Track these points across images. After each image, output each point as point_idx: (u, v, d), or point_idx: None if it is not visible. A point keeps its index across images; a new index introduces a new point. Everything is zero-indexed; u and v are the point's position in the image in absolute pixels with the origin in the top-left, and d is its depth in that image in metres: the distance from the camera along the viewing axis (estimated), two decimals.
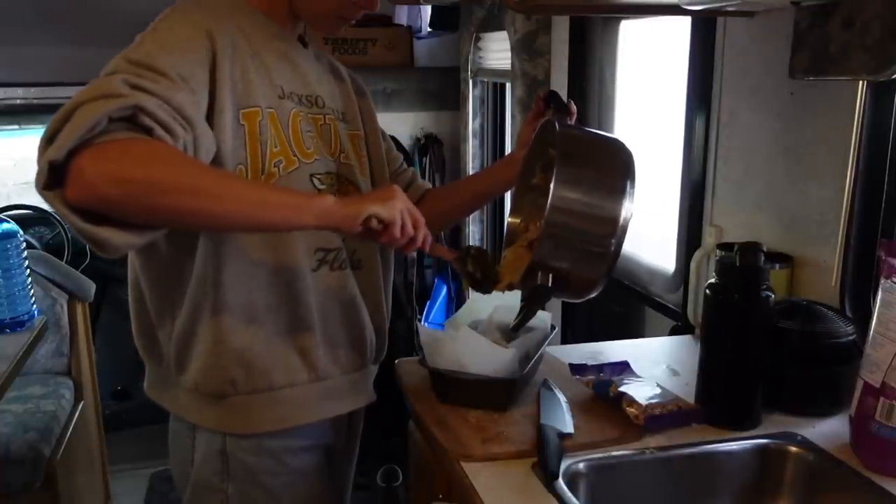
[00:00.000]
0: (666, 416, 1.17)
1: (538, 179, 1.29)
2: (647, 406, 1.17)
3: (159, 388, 1.26)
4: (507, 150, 2.85)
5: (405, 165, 1.48)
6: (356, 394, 1.30)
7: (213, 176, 0.98)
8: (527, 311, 1.12)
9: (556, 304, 2.39)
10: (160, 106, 0.93)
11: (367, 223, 1.01)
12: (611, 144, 1.16)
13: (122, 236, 0.92)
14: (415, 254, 3.11)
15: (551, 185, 1.04)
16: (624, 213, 1.07)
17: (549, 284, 1.07)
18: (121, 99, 0.89)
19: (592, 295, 1.15)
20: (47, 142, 0.89)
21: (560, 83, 2.35)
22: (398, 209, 1.02)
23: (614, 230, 1.06)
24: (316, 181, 1.18)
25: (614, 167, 1.10)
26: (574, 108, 1.27)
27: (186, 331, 1.15)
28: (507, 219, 1.32)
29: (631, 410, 1.18)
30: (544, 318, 1.44)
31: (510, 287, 1.19)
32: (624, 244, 1.09)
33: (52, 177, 0.88)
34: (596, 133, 1.23)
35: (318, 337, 1.19)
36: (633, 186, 1.08)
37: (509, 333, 1.32)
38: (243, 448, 1.19)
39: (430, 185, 1.49)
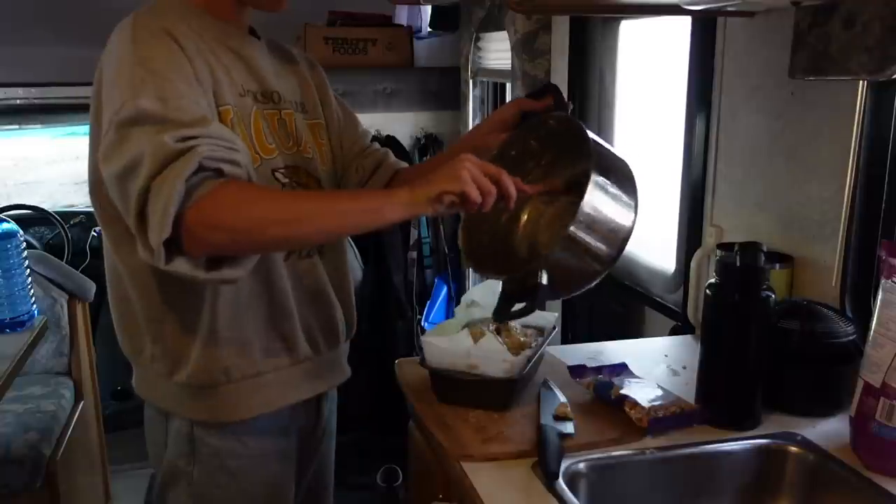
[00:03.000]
0: (669, 418, 1.17)
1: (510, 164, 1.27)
2: (649, 409, 1.17)
3: (148, 387, 1.28)
4: None
5: (375, 146, 1.45)
6: (332, 372, 1.35)
7: (301, 200, 1.07)
8: (525, 308, 1.11)
9: (556, 303, 2.39)
10: (213, 147, 0.97)
11: (440, 201, 1.02)
12: (623, 161, 1.16)
13: (241, 269, 1.03)
14: (414, 254, 3.11)
15: (583, 201, 1.04)
16: (630, 230, 1.10)
17: (545, 283, 1.07)
18: (185, 159, 0.95)
19: (574, 295, 1.18)
20: (139, 219, 0.97)
21: (560, 83, 2.34)
22: (464, 177, 1.02)
23: (621, 245, 1.10)
24: (279, 175, 1.21)
25: (629, 185, 1.12)
26: (570, 107, 1.27)
27: (184, 327, 1.18)
28: None
29: (634, 413, 1.18)
30: (547, 317, 1.44)
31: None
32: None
33: (168, 250, 0.96)
34: (610, 148, 1.21)
35: (297, 322, 1.24)
36: (638, 201, 1.12)
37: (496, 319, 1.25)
38: (210, 432, 1.22)
39: (403, 165, 1.44)
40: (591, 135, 1.13)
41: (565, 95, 2.28)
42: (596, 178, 1.06)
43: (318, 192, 1.14)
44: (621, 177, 1.12)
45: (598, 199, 1.06)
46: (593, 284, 1.13)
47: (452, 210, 1.05)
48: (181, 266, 0.97)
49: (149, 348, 1.21)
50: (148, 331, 1.20)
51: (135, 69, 1.02)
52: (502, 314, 1.13)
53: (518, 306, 1.12)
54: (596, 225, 1.07)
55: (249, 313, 1.20)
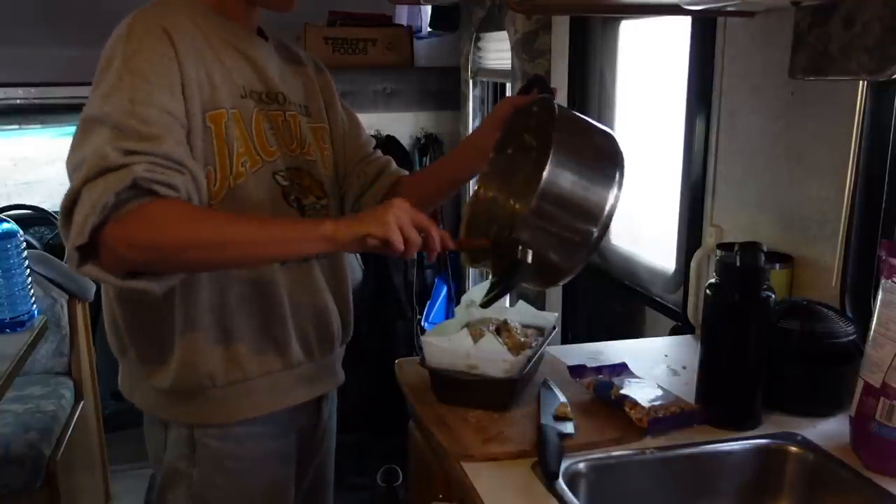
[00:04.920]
0: (669, 418, 1.17)
1: (507, 161, 1.27)
2: (649, 409, 1.17)
3: (130, 387, 1.29)
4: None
5: (378, 153, 1.44)
6: (325, 378, 1.35)
7: (220, 226, 1.04)
8: (501, 287, 1.10)
9: (556, 303, 2.39)
10: (153, 167, 0.99)
11: (364, 243, 1.03)
12: (603, 132, 1.16)
13: (158, 283, 1.04)
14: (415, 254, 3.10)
15: (547, 163, 1.02)
16: (611, 203, 1.06)
17: (529, 261, 1.04)
18: (119, 173, 0.97)
19: (563, 282, 1.14)
20: (66, 218, 0.99)
21: (560, 83, 2.34)
22: (391, 224, 1.02)
23: (600, 218, 1.06)
24: (279, 178, 1.21)
25: (606, 154, 1.10)
26: (558, 94, 1.26)
27: (162, 332, 1.18)
28: (473, 188, 1.31)
29: (634, 414, 1.17)
30: (547, 317, 1.44)
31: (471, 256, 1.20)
32: (605, 236, 1.09)
33: (83, 254, 0.99)
34: (588, 120, 1.20)
35: (291, 328, 1.24)
36: (622, 176, 1.08)
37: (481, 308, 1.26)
38: (210, 434, 1.23)
39: (405, 173, 1.44)
40: (563, 111, 1.12)
41: (565, 96, 2.29)
42: (557, 151, 1.04)
43: (246, 219, 1.10)
44: (594, 151, 1.11)
45: (560, 173, 1.04)
46: (578, 266, 1.10)
47: (375, 251, 1.06)
48: (92, 271, 0.99)
49: (131, 350, 1.22)
50: (127, 334, 1.21)
51: (118, 64, 1.04)
52: (488, 301, 1.11)
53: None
54: (563, 200, 1.05)
55: (238, 318, 1.19)
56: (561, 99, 2.31)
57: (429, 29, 3.23)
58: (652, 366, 1.44)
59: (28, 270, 1.93)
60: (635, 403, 1.18)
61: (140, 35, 1.07)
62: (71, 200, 0.98)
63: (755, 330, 1.18)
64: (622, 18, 2.11)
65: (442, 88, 3.16)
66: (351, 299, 1.37)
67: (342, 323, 1.34)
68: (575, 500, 0.99)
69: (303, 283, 1.25)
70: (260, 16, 1.25)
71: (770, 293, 1.17)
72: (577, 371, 1.35)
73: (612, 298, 2.20)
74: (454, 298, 3.17)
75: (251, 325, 1.20)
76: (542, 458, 1.06)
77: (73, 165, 1.01)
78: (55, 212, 3.18)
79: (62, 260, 2.84)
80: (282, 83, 1.26)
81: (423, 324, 3.15)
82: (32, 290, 1.95)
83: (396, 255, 1.05)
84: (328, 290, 1.30)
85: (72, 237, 0.97)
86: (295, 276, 1.24)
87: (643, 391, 1.24)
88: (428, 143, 3.16)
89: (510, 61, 2.49)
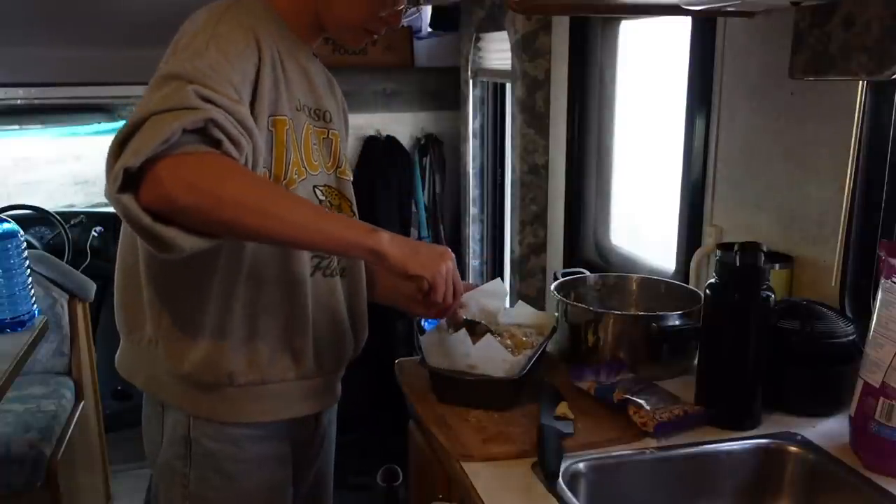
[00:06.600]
0: (675, 421, 1.17)
1: None
2: (654, 412, 1.17)
3: (133, 367, 1.28)
4: (507, 151, 2.84)
5: None
6: (328, 394, 1.35)
7: (278, 198, 1.04)
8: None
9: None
10: (228, 119, 0.97)
11: (414, 279, 1.09)
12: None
13: (188, 239, 0.97)
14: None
15: None
16: None
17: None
18: (195, 112, 0.94)
19: None
20: (119, 148, 0.94)
21: (560, 83, 2.35)
22: (443, 276, 1.10)
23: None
24: (318, 192, 1.24)
25: None
26: None
27: (190, 322, 1.18)
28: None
29: (639, 419, 1.17)
30: (548, 317, 1.44)
31: None
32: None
33: (125, 181, 0.93)
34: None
35: (310, 338, 1.24)
36: None
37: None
38: (207, 434, 1.22)
39: None
40: None
41: (564, 96, 2.29)
42: None
43: (304, 201, 1.12)
44: None
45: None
46: None
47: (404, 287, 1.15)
48: (129, 202, 0.93)
49: (149, 332, 1.21)
50: (150, 316, 1.21)
51: (207, 38, 1.05)
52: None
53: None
54: None
55: (266, 321, 1.19)
56: (561, 99, 2.31)
57: (429, 29, 3.23)
58: None
59: (28, 270, 1.93)
60: (640, 407, 1.18)
61: (233, 24, 1.09)
62: (133, 129, 0.93)
63: (755, 330, 1.18)
64: (622, 18, 2.11)
65: (442, 88, 3.16)
66: (366, 318, 1.37)
67: (355, 343, 1.35)
68: (575, 500, 0.99)
69: (326, 297, 1.26)
70: (317, 42, 1.29)
71: (770, 293, 1.17)
72: (577, 372, 1.35)
73: None
74: None
75: (276, 330, 1.21)
76: (542, 458, 1.07)
77: (138, 111, 0.96)
78: (55, 212, 3.19)
79: (62, 260, 2.85)
80: (327, 102, 1.29)
81: (422, 324, 3.15)
82: (33, 290, 1.95)
83: (428, 301, 1.12)
84: (346, 308, 1.30)
85: (124, 157, 0.92)
86: (321, 288, 1.24)
87: (643, 392, 1.23)
88: (428, 143, 3.16)
89: (510, 61, 2.49)
